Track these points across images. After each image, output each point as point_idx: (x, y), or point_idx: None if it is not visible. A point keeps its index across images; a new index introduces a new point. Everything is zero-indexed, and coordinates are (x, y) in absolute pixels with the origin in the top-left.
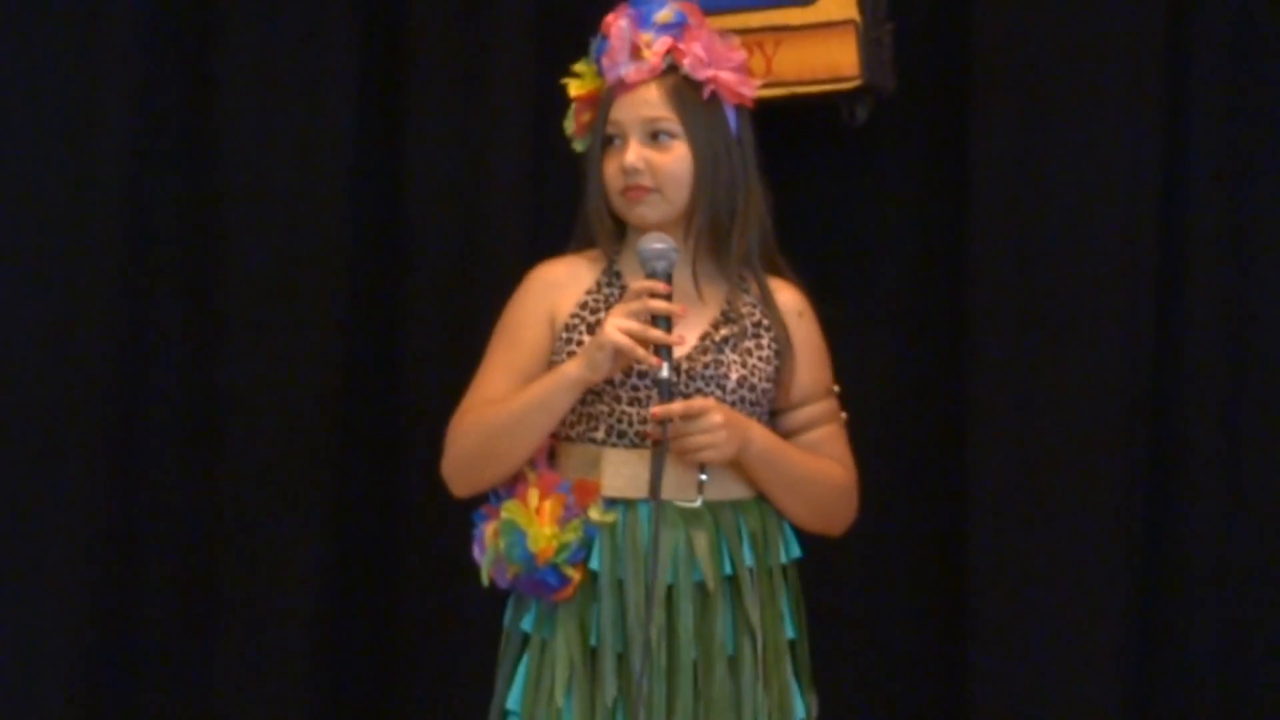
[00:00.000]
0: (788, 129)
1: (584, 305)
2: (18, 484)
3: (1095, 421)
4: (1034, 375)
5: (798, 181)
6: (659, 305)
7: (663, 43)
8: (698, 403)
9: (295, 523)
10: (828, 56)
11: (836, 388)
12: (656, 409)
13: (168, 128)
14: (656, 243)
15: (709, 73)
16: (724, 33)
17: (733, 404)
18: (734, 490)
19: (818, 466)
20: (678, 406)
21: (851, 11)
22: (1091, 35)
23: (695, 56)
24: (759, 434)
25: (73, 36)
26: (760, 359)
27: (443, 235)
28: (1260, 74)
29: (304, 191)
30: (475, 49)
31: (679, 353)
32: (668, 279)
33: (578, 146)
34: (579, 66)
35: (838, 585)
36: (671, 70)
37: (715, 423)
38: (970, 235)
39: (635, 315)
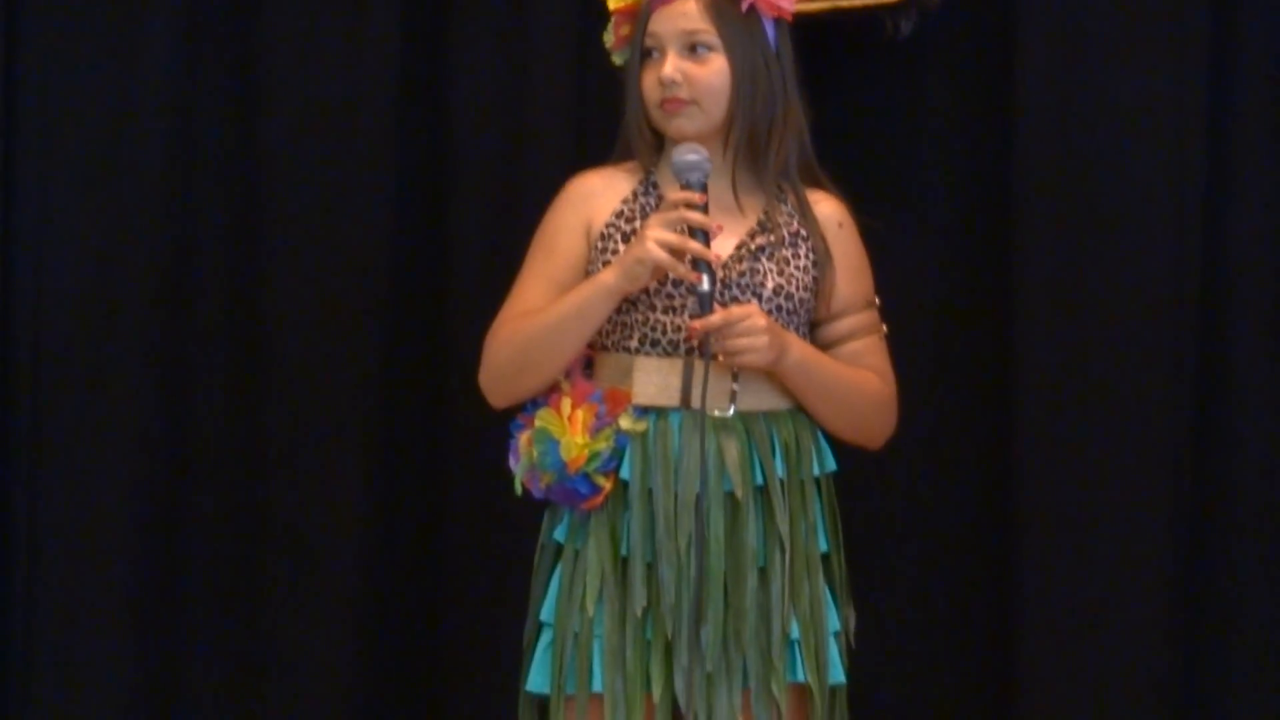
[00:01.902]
0: (831, 43)
1: (620, 214)
2: (66, 408)
3: (1142, 330)
4: (1081, 286)
5: (842, 95)
6: (695, 217)
7: None
8: (739, 309)
9: (341, 440)
10: None
11: (877, 300)
12: (696, 323)
13: (212, 47)
14: (690, 154)
15: None
16: None
17: (769, 313)
18: (767, 401)
19: (856, 377)
20: (717, 318)
21: None
22: None
23: None
24: (796, 343)
25: None
26: (798, 268)
27: (488, 151)
28: None
29: (349, 108)
30: None
31: (718, 255)
32: (703, 189)
33: (617, 59)
34: None
35: (885, 497)
36: None
37: (758, 325)
38: (1016, 149)
39: (672, 226)
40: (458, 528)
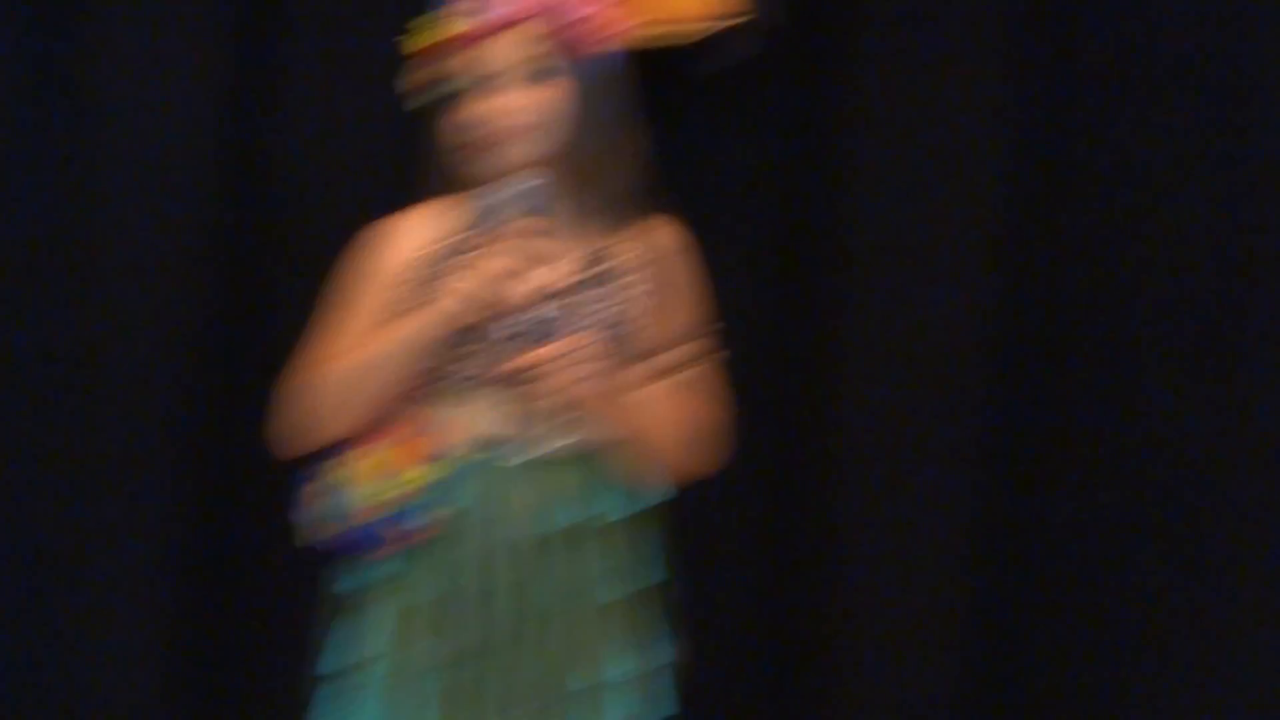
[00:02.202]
0: (665, 69)
1: (444, 247)
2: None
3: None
4: (900, 316)
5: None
6: (536, 246)
7: None
8: (573, 339)
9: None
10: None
11: (713, 326)
12: (525, 358)
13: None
14: (529, 180)
15: (587, 10)
16: None
17: (604, 341)
18: (569, 442)
19: (689, 407)
20: (546, 351)
21: None
22: None
23: None
24: (628, 376)
25: None
26: (633, 297)
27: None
28: None
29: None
30: None
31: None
32: (542, 215)
33: (418, 101)
34: (418, 22)
35: (708, 530)
36: (545, 9)
37: (591, 354)
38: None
39: (512, 256)
40: None
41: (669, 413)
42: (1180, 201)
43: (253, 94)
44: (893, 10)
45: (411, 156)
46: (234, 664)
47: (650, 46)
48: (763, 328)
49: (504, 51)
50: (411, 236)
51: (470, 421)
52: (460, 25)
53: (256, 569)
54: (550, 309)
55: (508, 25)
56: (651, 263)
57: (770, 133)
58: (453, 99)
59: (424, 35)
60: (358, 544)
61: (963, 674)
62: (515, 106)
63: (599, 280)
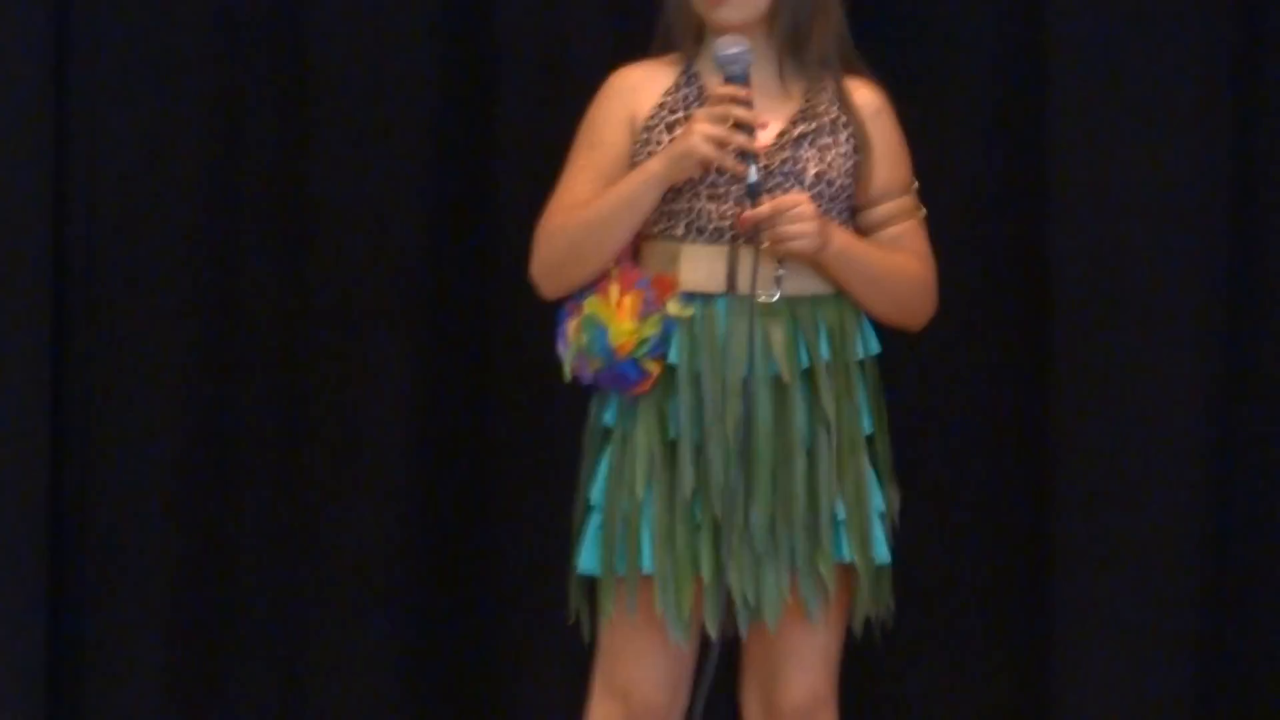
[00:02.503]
0: None
1: (662, 106)
2: (117, 296)
3: (1176, 221)
4: (1115, 167)
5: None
6: (741, 113)
7: None
8: (787, 199)
9: (389, 327)
10: None
11: (916, 184)
12: (746, 215)
13: None
14: (733, 46)
15: None
16: None
17: (819, 197)
18: (811, 285)
19: (896, 262)
20: (766, 209)
21: None
22: None
23: None
24: (839, 230)
25: None
26: (838, 155)
27: (532, 46)
28: None
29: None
30: None
31: (760, 143)
32: (746, 81)
33: None
34: None
35: (924, 381)
36: None
37: (806, 214)
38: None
39: (719, 120)
40: (506, 414)
41: (879, 266)
42: None
43: None
44: None
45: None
46: (490, 504)
47: None
48: (974, 183)
49: None
50: (637, 88)
51: (695, 270)
52: None
53: (520, 406)
54: (758, 168)
55: None
56: (855, 122)
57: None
58: None
59: None
60: (617, 378)
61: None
62: None
63: (805, 140)
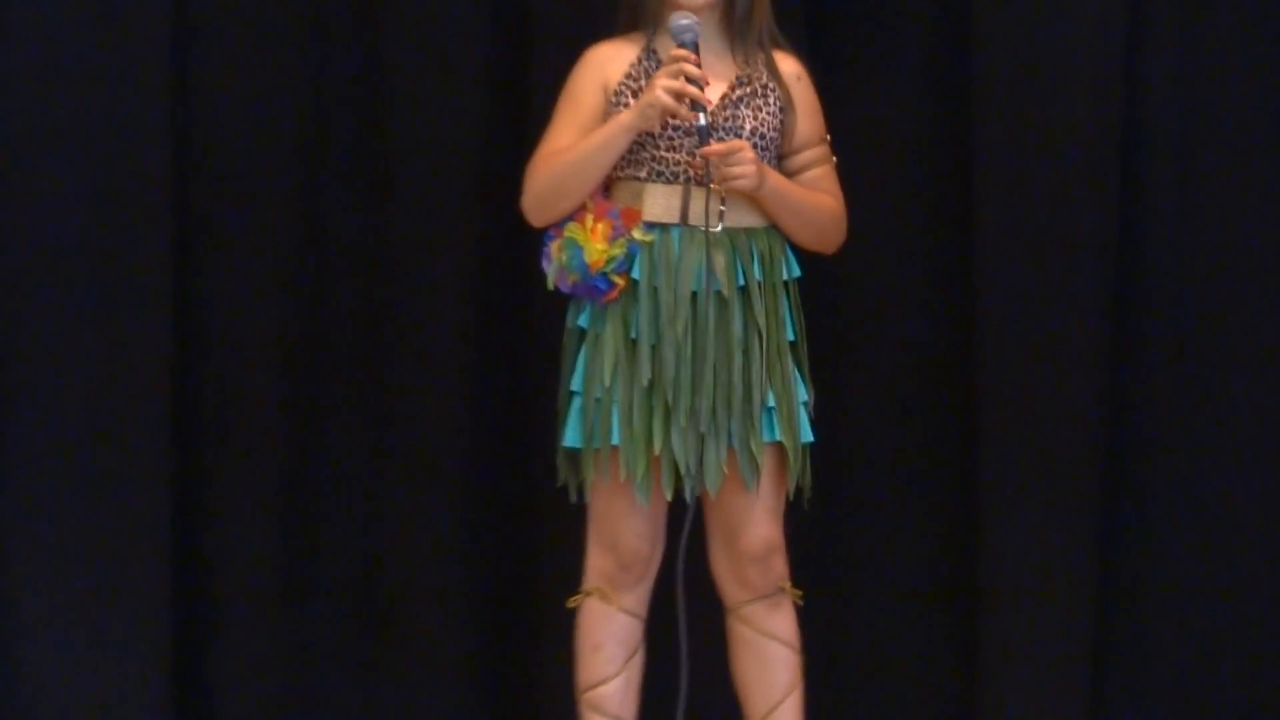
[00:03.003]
0: None
1: (628, 75)
2: (231, 238)
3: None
4: (1028, 124)
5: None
6: (691, 70)
7: None
8: (735, 143)
9: (448, 248)
10: None
11: (828, 136)
12: (704, 150)
13: None
14: (684, 18)
15: None
16: None
17: (752, 148)
18: (747, 219)
19: (816, 199)
20: (720, 147)
21: None
22: None
23: None
24: (772, 173)
25: None
26: (768, 113)
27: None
28: None
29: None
30: None
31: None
32: (695, 48)
33: None
34: None
35: (841, 297)
36: None
37: (747, 157)
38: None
39: (675, 76)
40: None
41: (804, 203)
42: None
43: None
44: None
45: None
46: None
47: None
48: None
49: None
50: (607, 62)
51: (655, 204)
52: None
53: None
54: (705, 119)
55: None
56: (786, 88)
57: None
58: None
59: None
60: (590, 289)
61: None
62: None
63: (743, 101)
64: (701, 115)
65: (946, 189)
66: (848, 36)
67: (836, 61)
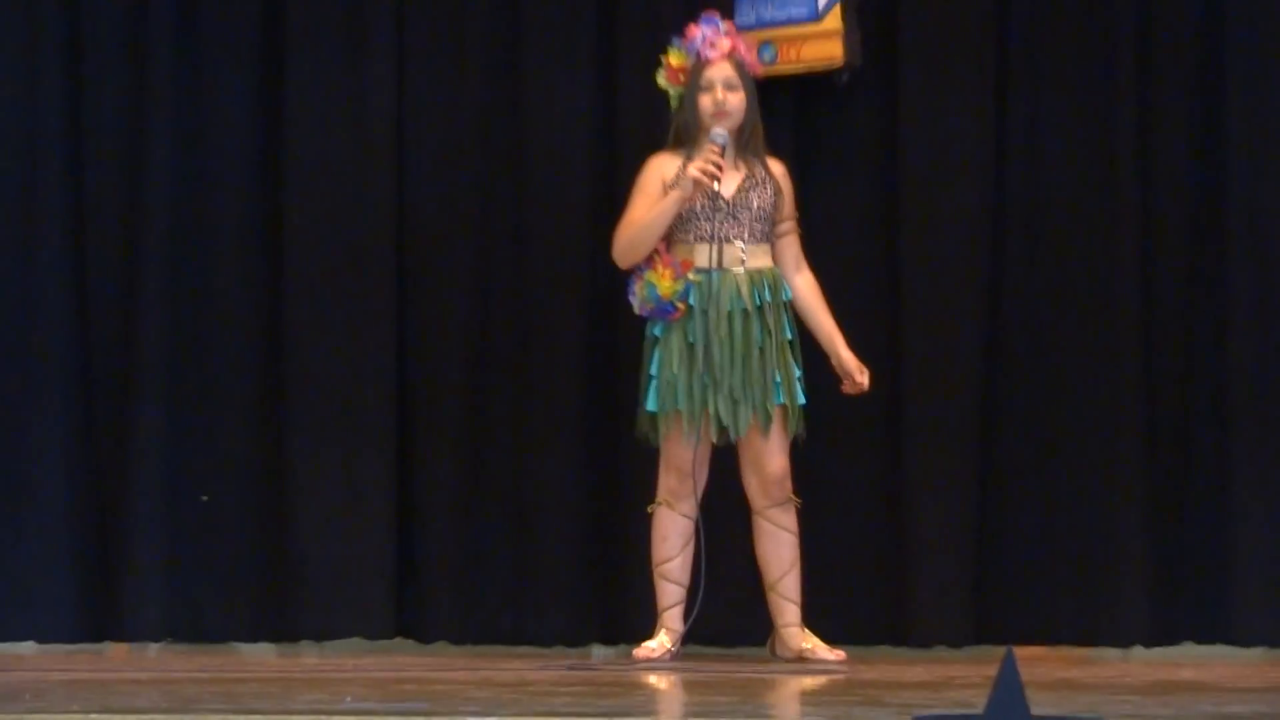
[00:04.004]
0: (806, 89)
1: (676, 173)
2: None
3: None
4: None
5: (807, 119)
6: (715, 159)
7: (728, 43)
8: (745, 214)
9: (574, 286)
10: (828, 49)
11: (797, 215)
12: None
13: None
14: (719, 129)
15: (748, 58)
16: (749, 40)
17: (756, 217)
18: (761, 262)
19: (824, 308)
20: (860, 379)
21: (839, 24)
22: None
23: (741, 50)
24: (839, 343)
25: None
26: (766, 198)
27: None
28: None
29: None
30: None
31: (727, 193)
32: (723, 150)
33: (672, 90)
34: (672, 52)
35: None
36: (732, 55)
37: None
38: (899, 161)
39: (705, 161)
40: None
41: (789, 258)
42: None
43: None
44: (921, 59)
45: (664, 123)
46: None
47: (799, 76)
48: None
49: (722, 73)
50: (662, 166)
51: (694, 257)
52: (691, 56)
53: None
54: (718, 185)
55: (718, 60)
56: (777, 180)
57: (851, 132)
58: (695, 91)
59: (673, 57)
60: (662, 312)
61: None
62: (724, 100)
63: (751, 190)
64: (716, 184)
65: (877, 250)
66: (813, 149)
67: (813, 162)
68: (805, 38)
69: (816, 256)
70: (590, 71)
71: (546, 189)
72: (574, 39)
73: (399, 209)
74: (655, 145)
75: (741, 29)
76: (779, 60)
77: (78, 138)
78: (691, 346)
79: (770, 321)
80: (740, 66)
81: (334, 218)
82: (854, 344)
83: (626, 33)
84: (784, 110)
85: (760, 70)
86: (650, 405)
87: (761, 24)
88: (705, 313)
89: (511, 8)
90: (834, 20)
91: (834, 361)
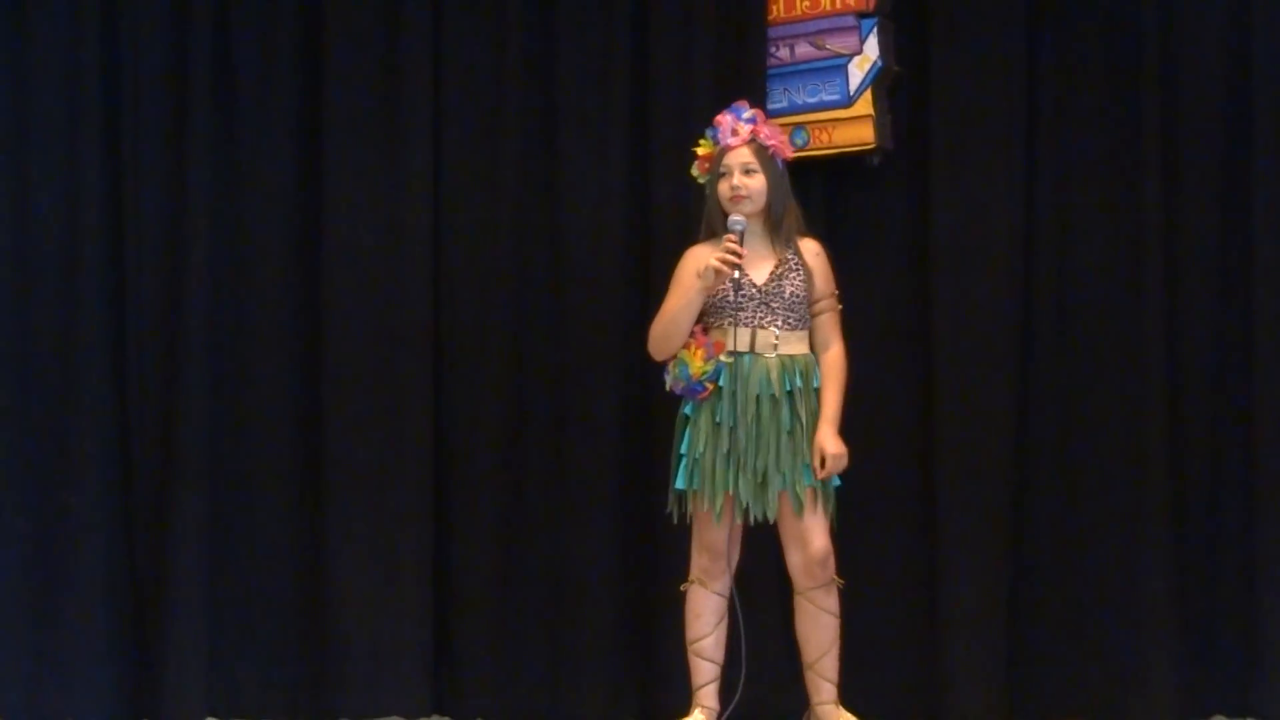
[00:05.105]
0: (838, 171)
1: (705, 264)
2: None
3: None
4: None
5: (840, 200)
6: (733, 248)
7: (748, 128)
8: (838, 459)
9: (613, 373)
10: (859, 132)
11: (837, 292)
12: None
13: None
14: (737, 218)
15: (772, 142)
16: (776, 124)
17: (789, 305)
18: (794, 349)
19: (840, 384)
20: (829, 467)
21: (870, 109)
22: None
23: (765, 134)
24: (829, 424)
25: None
26: (799, 282)
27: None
28: None
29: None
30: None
31: (760, 280)
32: (741, 237)
33: (702, 180)
34: (702, 143)
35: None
36: (752, 140)
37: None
38: (929, 243)
39: (725, 252)
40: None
41: (840, 396)
42: None
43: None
44: (951, 143)
45: (698, 212)
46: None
47: (832, 159)
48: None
49: (739, 158)
50: (696, 256)
51: (726, 340)
52: (715, 144)
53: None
54: (739, 275)
55: (738, 145)
56: (807, 263)
57: (882, 214)
58: (716, 179)
59: (702, 147)
60: (691, 391)
61: None
62: (745, 184)
63: (783, 276)
64: (736, 272)
65: (907, 330)
66: (845, 230)
67: (846, 242)
68: (837, 121)
69: (847, 335)
70: (623, 155)
71: (581, 271)
72: (608, 124)
73: (435, 292)
74: (688, 227)
75: (774, 115)
76: (811, 143)
77: (118, 226)
78: (718, 426)
79: (800, 407)
80: (761, 151)
81: (371, 302)
82: (885, 422)
83: (659, 117)
84: (816, 192)
85: (790, 154)
86: (679, 483)
87: (794, 109)
88: (734, 394)
89: (546, 94)
90: (865, 105)
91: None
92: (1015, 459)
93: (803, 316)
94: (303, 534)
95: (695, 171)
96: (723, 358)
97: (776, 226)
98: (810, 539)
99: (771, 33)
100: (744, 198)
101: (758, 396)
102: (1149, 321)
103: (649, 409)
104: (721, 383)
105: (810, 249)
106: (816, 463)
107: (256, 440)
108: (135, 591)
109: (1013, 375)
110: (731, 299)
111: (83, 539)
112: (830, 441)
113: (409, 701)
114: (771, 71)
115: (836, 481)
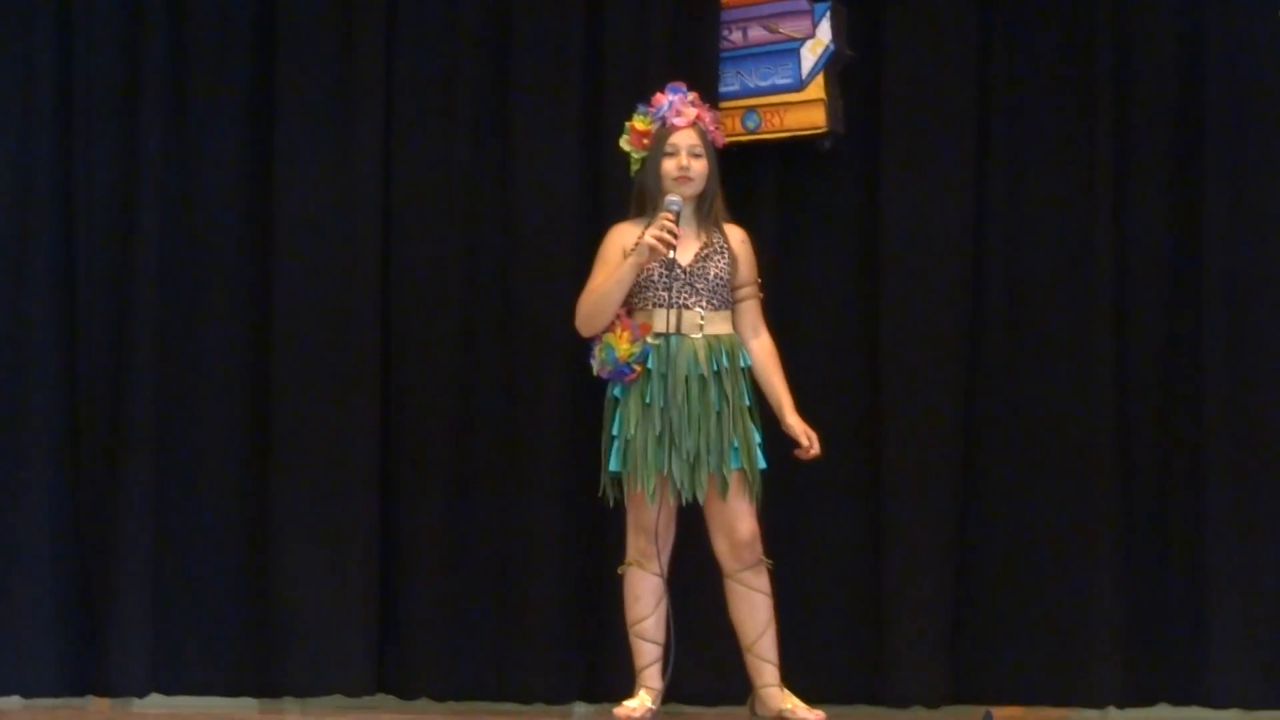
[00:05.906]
0: (789, 154)
1: (636, 240)
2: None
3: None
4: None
5: (791, 184)
6: (669, 225)
7: (694, 110)
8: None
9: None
10: (811, 116)
11: (759, 280)
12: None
13: None
14: (673, 197)
15: (713, 128)
16: (715, 109)
17: (713, 287)
18: (719, 329)
19: (778, 372)
20: (807, 447)
21: (822, 93)
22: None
23: (708, 119)
24: (789, 409)
25: None
26: (723, 265)
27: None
28: None
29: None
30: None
31: (685, 261)
32: (677, 217)
33: (636, 154)
34: (638, 118)
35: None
36: (696, 123)
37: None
38: (880, 229)
39: (659, 229)
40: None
41: (782, 380)
42: None
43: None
44: (903, 129)
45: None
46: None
47: (783, 143)
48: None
49: (687, 140)
50: (622, 233)
51: (652, 322)
52: (656, 121)
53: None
54: (673, 253)
55: (684, 126)
56: (733, 248)
57: (833, 199)
58: (658, 156)
59: (638, 122)
60: (619, 374)
61: None
62: (688, 165)
63: (708, 258)
64: (671, 252)
65: (856, 314)
66: (796, 215)
67: (796, 226)
68: (789, 105)
69: (796, 321)
70: (576, 136)
71: (532, 251)
72: (561, 105)
73: (385, 270)
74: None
75: (726, 97)
76: (763, 127)
77: (68, 200)
78: (649, 407)
79: (728, 387)
80: (704, 135)
81: (321, 278)
82: (832, 409)
83: (612, 98)
84: (767, 176)
85: (724, 142)
86: (613, 466)
87: (746, 92)
88: (664, 376)
89: (499, 74)
90: (817, 89)
91: (782, 426)
92: (963, 445)
93: (725, 299)
94: (249, 510)
95: (626, 144)
96: (649, 339)
97: (707, 211)
98: (737, 523)
99: (725, 15)
100: (690, 179)
101: (686, 377)
102: (1099, 310)
103: (598, 390)
104: (650, 365)
105: (736, 235)
106: (805, 442)
107: (204, 415)
108: (81, 566)
109: (962, 362)
110: (665, 278)
111: (29, 512)
112: (799, 424)
113: (354, 679)
114: (724, 54)
115: (762, 464)
